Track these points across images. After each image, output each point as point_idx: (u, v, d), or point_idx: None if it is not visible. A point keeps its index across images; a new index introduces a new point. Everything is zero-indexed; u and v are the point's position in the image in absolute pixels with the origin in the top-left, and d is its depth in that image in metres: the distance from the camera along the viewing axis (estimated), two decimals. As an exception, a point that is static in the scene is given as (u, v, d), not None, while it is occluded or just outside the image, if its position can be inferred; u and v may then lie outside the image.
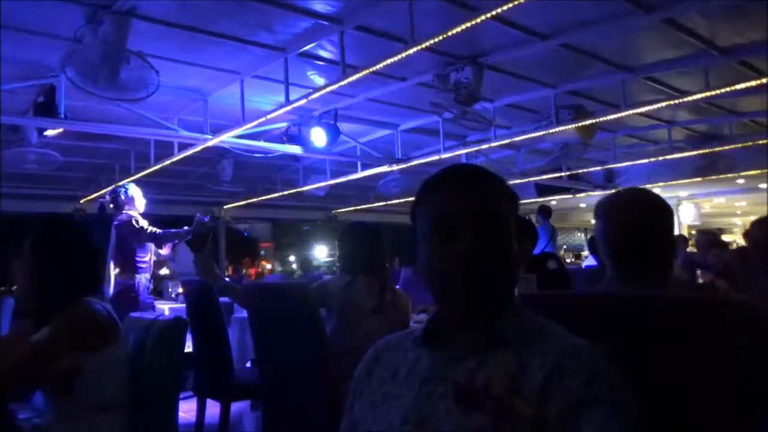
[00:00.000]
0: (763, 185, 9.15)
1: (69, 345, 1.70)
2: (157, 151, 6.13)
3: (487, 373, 0.90)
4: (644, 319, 1.08)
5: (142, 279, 4.54)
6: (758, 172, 7.62)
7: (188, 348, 3.99)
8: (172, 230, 4.64)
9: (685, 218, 10.58)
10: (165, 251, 4.83)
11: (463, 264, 0.93)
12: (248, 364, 3.97)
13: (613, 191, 1.48)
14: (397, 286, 6.16)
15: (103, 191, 7.08)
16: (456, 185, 1.00)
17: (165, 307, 5.27)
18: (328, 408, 2.20)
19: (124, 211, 4.60)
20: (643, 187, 1.52)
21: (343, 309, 2.44)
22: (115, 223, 4.55)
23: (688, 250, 6.58)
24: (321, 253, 16.10)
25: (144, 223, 4.52)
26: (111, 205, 4.85)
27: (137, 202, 4.67)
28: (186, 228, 4.64)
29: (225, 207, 9.72)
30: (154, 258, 4.78)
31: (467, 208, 0.96)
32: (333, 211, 11.07)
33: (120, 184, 4.91)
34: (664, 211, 1.39)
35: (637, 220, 1.36)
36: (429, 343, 1.00)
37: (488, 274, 0.94)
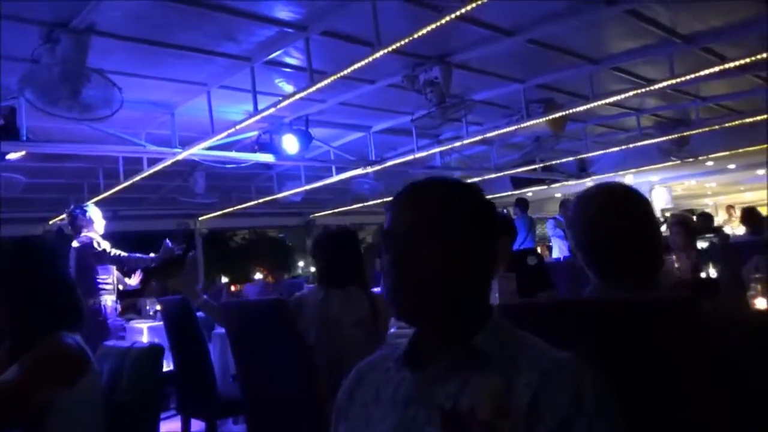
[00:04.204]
0: (732, 166, 9.32)
1: (39, 383, 1.64)
2: (126, 167, 6.01)
3: (472, 396, 0.88)
4: (626, 323, 1.07)
5: (108, 301, 4.43)
6: (726, 153, 7.76)
7: (168, 366, 3.93)
8: (136, 255, 4.52)
9: (658, 202, 10.73)
10: (134, 281, 4.72)
11: (391, 277, 0.93)
12: (231, 379, 3.91)
13: (583, 194, 1.36)
14: (379, 289, 6.20)
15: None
16: (400, 203, 0.99)
17: (143, 326, 5.16)
18: (316, 419, 2.16)
19: (83, 234, 4.46)
20: (614, 183, 1.41)
21: (321, 324, 2.40)
22: (76, 246, 4.43)
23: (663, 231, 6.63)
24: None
25: (106, 245, 4.40)
26: (69, 228, 4.68)
27: (96, 223, 4.52)
28: (152, 255, 4.54)
29: (200, 218, 9.61)
30: (120, 287, 4.67)
31: (399, 225, 0.96)
32: (311, 216, 10.99)
33: (77, 205, 4.75)
34: (644, 211, 1.30)
35: (617, 227, 1.27)
36: (410, 363, 0.98)
37: (424, 291, 0.92)
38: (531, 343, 0.94)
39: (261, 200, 8.36)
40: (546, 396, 0.84)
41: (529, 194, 9.89)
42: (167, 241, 4.54)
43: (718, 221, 9.91)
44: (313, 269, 13.65)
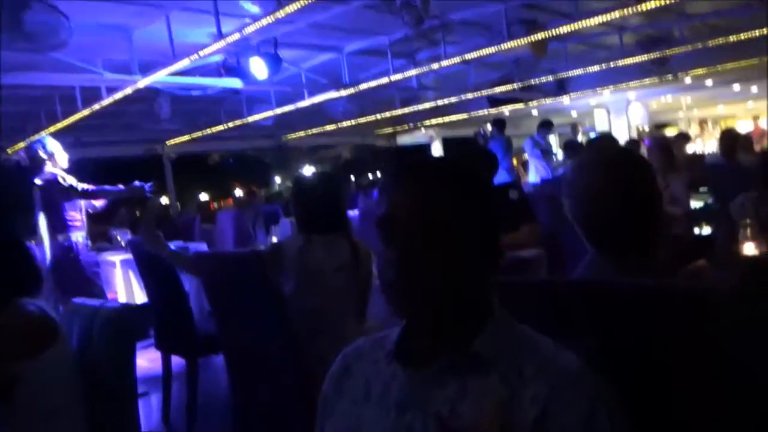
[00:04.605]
0: (709, 82, 9.25)
1: (3, 357, 1.55)
2: (84, 93, 5.64)
3: (472, 404, 0.82)
4: (624, 311, 1.01)
5: (78, 238, 4.27)
6: (705, 70, 7.65)
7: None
8: (105, 187, 4.31)
9: (634, 119, 10.70)
10: (99, 203, 4.53)
11: (393, 274, 0.85)
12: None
13: (584, 162, 1.27)
14: (356, 214, 6.15)
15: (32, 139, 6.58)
16: (395, 186, 0.89)
17: (116, 259, 5.06)
18: (295, 369, 2.14)
19: (46, 170, 4.22)
20: (617, 153, 1.31)
21: (302, 271, 2.32)
22: (40, 184, 4.20)
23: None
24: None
25: (71, 180, 4.17)
26: (27, 162, 4.40)
27: (58, 156, 4.26)
28: (121, 187, 4.34)
29: (168, 143, 9.27)
30: (89, 211, 4.49)
31: (399, 213, 0.86)
32: (283, 138, 10.71)
33: (34, 138, 4.45)
34: (648, 188, 1.22)
35: (614, 202, 1.19)
36: (403, 360, 0.90)
37: (421, 286, 0.84)
38: (534, 344, 0.88)
39: (230, 124, 8.06)
40: (555, 414, 0.79)
41: (506, 113, 9.74)
42: (137, 182, 4.34)
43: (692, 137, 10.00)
44: (290, 183, 13.53)
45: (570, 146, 6.12)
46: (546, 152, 7.37)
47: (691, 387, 0.92)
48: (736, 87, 10.32)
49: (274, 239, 3.88)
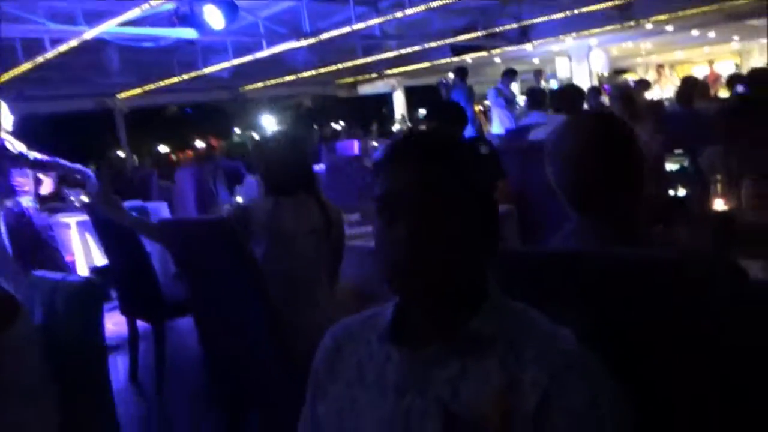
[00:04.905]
0: (670, 27, 9.29)
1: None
2: (25, 45, 5.28)
3: (473, 387, 0.80)
4: (609, 282, 1.00)
5: (28, 203, 4.06)
6: (666, 16, 7.67)
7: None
8: (60, 160, 4.05)
9: (595, 65, 10.73)
10: (46, 189, 4.29)
11: (402, 253, 0.81)
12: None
13: (565, 130, 1.26)
14: (321, 168, 6.03)
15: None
16: (399, 162, 0.85)
17: (71, 221, 4.86)
18: (270, 332, 2.10)
19: None
20: (599, 118, 1.29)
21: (272, 235, 2.25)
22: None
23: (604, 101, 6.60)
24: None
25: (21, 147, 3.91)
26: None
27: (4, 119, 3.98)
28: (78, 166, 4.11)
29: (119, 96, 8.86)
30: (39, 194, 4.26)
31: (407, 189, 0.82)
32: (241, 89, 10.36)
33: None
34: (630, 154, 1.21)
35: (597, 168, 1.18)
36: (399, 341, 0.88)
37: (431, 266, 0.81)
38: (531, 323, 0.86)
39: (186, 76, 7.74)
40: (557, 398, 0.77)
41: (469, 60, 9.63)
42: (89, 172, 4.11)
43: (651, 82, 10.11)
44: (256, 135, 13.20)
45: (533, 94, 6.07)
46: (510, 101, 7.31)
47: (675, 361, 0.92)
48: (695, 32, 10.43)
49: (239, 199, 3.76)
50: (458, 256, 0.83)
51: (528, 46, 8.98)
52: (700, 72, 12.84)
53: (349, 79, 11.32)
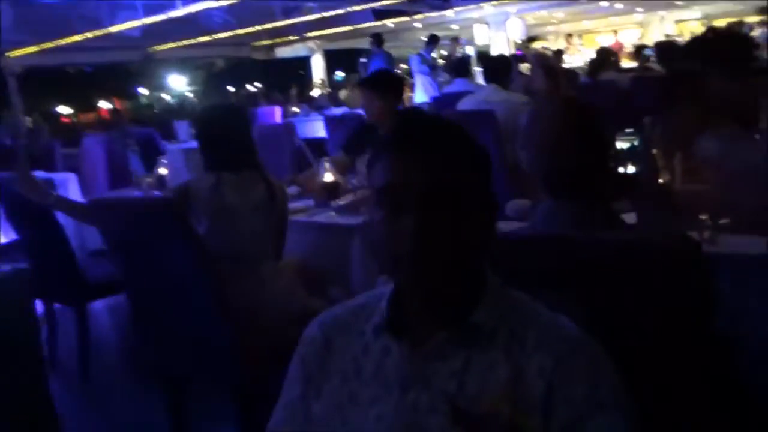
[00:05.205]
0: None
1: None
2: None
3: (478, 380, 0.80)
4: (598, 265, 1.02)
5: None
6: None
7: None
8: None
9: (513, 33, 10.94)
10: None
11: (408, 245, 0.79)
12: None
13: (540, 113, 1.30)
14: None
15: None
16: (405, 150, 0.83)
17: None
18: (215, 310, 2.02)
19: None
20: (570, 101, 1.32)
21: (214, 214, 2.15)
22: None
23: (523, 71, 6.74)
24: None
25: None
26: None
27: None
28: None
29: (9, 55, 8.03)
30: None
31: (414, 180, 0.80)
32: (150, 49, 9.71)
33: None
34: (602, 139, 1.26)
35: (572, 153, 1.21)
36: (395, 332, 0.86)
37: (438, 257, 0.80)
38: (530, 311, 0.86)
39: (89, 34, 7.14)
40: (561, 386, 0.78)
41: (390, 25, 9.55)
42: None
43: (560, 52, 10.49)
44: (168, 97, 12.48)
45: (458, 62, 6.12)
46: (433, 68, 7.35)
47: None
48: (604, 3, 10.91)
49: (163, 171, 3.53)
50: (464, 247, 0.81)
51: (449, 13, 9.02)
52: (604, 41, 13.60)
53: (267, 42, 10.91)
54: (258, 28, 8.21)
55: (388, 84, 3.15)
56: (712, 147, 2.32)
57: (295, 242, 2.48)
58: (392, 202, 0.81)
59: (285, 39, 10.68)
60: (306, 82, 11.94)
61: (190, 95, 15.58)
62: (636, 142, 1.86)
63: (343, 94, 8.80)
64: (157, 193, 3.34)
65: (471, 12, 9.93)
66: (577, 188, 1.22)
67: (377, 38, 7.43)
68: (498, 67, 4.19)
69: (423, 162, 0.81)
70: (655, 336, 0.94)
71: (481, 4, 8.74)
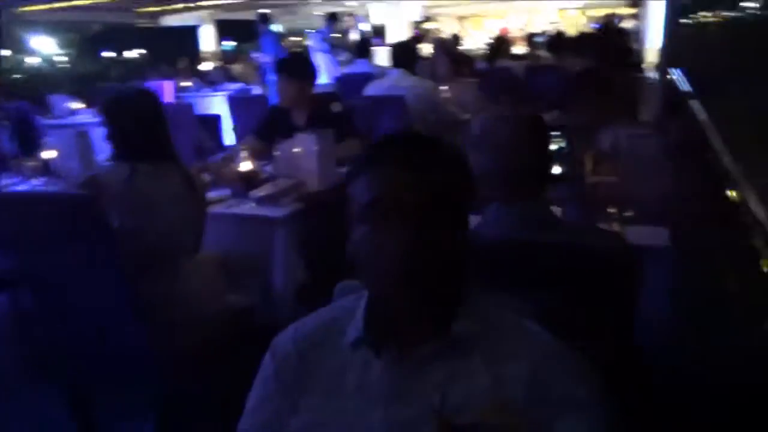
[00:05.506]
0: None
1: None
2: None
3: (463, 391, 0.82)
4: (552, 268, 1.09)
5: None
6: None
7: None
8: None
9: (410, 14, 11.06)
10: None
11: (397, 259, 0.80)
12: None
13: (491, 121, 1.35)
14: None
15: None
16: (396, 164, 0.83)
17: None
18: (127, 305, 1.91)
19: None
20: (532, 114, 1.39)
21: (129, 207, 2.00)
22: None
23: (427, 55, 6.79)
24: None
25: None
26: None
27: None
28: None
29: None
30: None
31: (402, 193, 0.81)
32: (12, 10, 8.68)
33: None
34: (546, 141, 1.34)
35: (527, 158, 1.28)
36: (375, 347, 0.86)
37: (429, 271, 0.81)
38: (504, 320, 0.89)
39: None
40: (540, 389, 0.81)
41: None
42: None
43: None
44: (34, 60, 11.18)
45: (361, 43, 6.12)
46: (334, 47, 7.26)
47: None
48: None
49: (48, 154, 3.20)
50: (452, 260, 0.83)
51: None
52: (491, 26, 14.27)
53: (152, 8, 10.18)
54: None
55: (304, 69, 3.09)
56: (611, 141, 2.52)
57: (213, 235, 2.37)
58: (379, 216, 0.81)
59: (174, 6, 10.02)
60: (195, 53, 11.27)
61: (62, 59, 14.19)
62: (563, 144, 1.97)
63: (237, 68, 8.44)
64: (43, 180, 3.07)
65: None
66: (526, 190, 1.28)
67: (263, 18, 7.30)
68: (405, 53, 4.24)
69: (409, 174, 0.81)
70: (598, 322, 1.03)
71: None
